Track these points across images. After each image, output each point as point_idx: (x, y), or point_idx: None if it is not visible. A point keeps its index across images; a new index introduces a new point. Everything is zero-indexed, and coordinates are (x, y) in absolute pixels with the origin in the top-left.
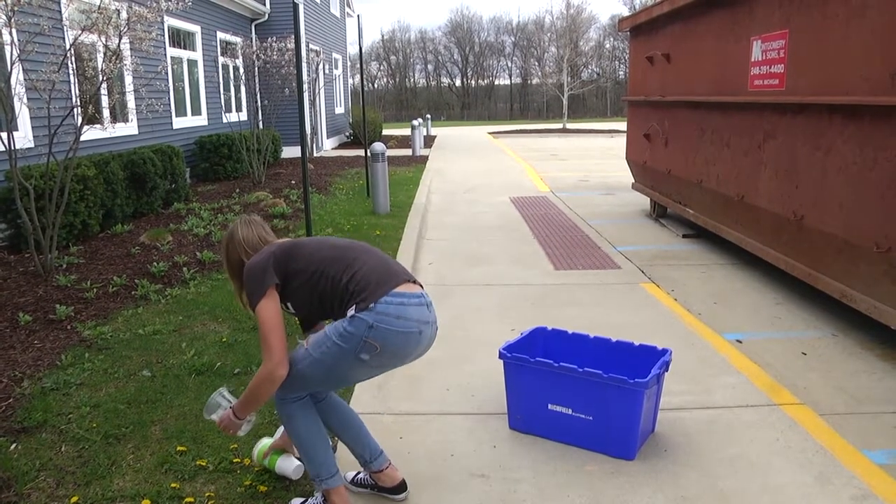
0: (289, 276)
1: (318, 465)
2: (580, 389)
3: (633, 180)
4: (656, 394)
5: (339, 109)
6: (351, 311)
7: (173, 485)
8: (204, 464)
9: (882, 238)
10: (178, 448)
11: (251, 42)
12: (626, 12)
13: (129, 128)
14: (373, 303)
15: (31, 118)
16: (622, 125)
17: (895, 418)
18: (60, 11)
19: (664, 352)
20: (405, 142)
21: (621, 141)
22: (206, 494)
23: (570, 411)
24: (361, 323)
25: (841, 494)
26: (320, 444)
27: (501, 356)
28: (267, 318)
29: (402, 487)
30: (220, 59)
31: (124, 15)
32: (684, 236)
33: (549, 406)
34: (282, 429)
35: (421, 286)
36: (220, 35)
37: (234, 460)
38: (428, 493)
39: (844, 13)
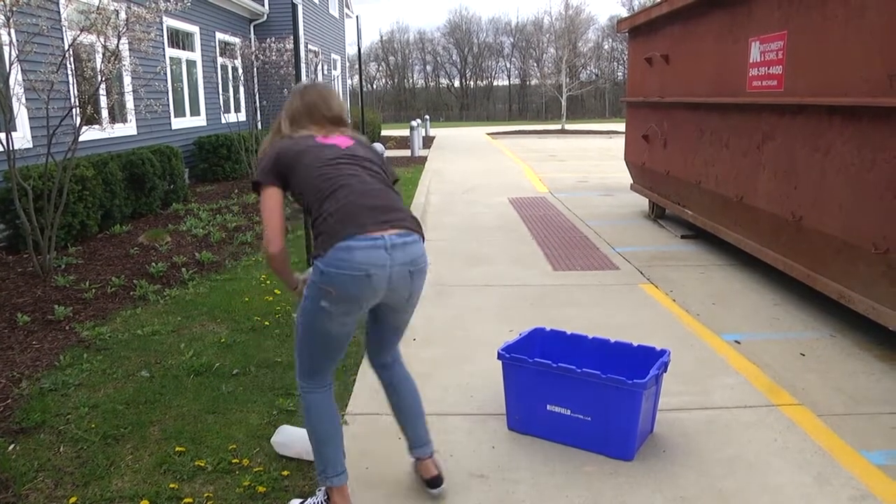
0: (288, 186)
1: (326, 460)
2: (579, 390)
3: (632, 181)
4: (655, 394)
5: None
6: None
7: (172, 485)
8: (203, 464)
9: (880, 239)
10: (177, 448)
11: (250, 43)
12: (624, 13)
13: (128, 128)
14: (327, 249)
15: (29, 118)
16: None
17: (893, 419)
18: (59, 12)
19: (663, 352)
20: (404, 142)
21: (620, 142)
22: (205, 495)
23: (568, 412)
24: (316, 269)
25: (839, 495)
26: (331, 440)
27: (500, 357)
28: (263, 206)
29: (434, 483)
30: (219, 60)
31: (123, 15)
32: (683, 237)
33: (548, 407)
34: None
35: (406, 227)
36: (219, 35)
37: (233, 461)
38: (426, 495)
39: (843, 14)
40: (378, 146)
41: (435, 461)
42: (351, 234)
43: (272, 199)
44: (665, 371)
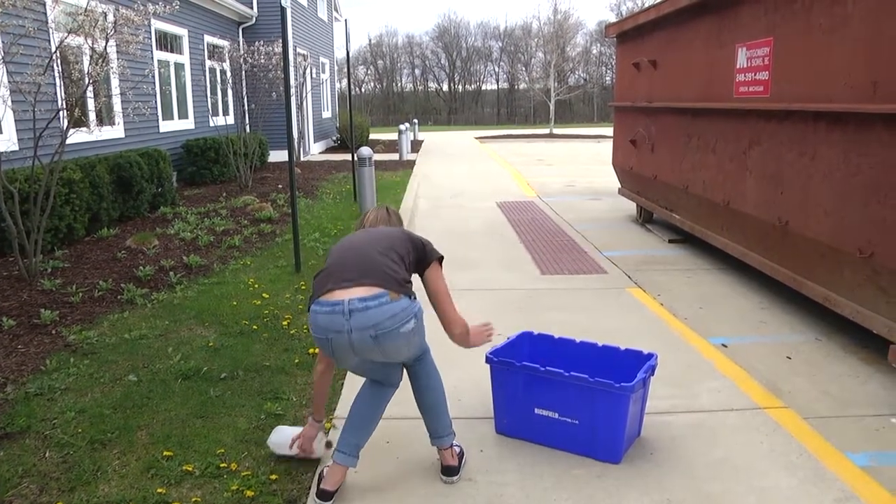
0: None
1: (343, 439)
2: (566, 393)
3: (620, 186)
4: (642, 398)
5: (327, 113)
6: None
7: (159, 490)
8: (190, 469)
9: (865, 243)
10: (165, 453)
11: (238, 46)
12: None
13: (116, 131)
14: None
15: (15, 121)
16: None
17: (877, 421)
18: (46, 14)
19: (650, 356)
20: (392, 146)
21: (608, 146)
22: (193, 500)
23: (556, 415)
24: None
25: (824, 497)
26: (357, 422)
27: (488, 360)
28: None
29: (446, 471)
30: (208, 63)
31: (111, 18)
32: (670, 241)
33: (536, 410)
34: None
35: (365, 286)
36: (208, 38)
37: (221, 465)
38: (415, 497)
39: (828, 22)
40: (365, 150)
41: (452, 452)
42: (317, 297)
43: None
44: (652, 375)
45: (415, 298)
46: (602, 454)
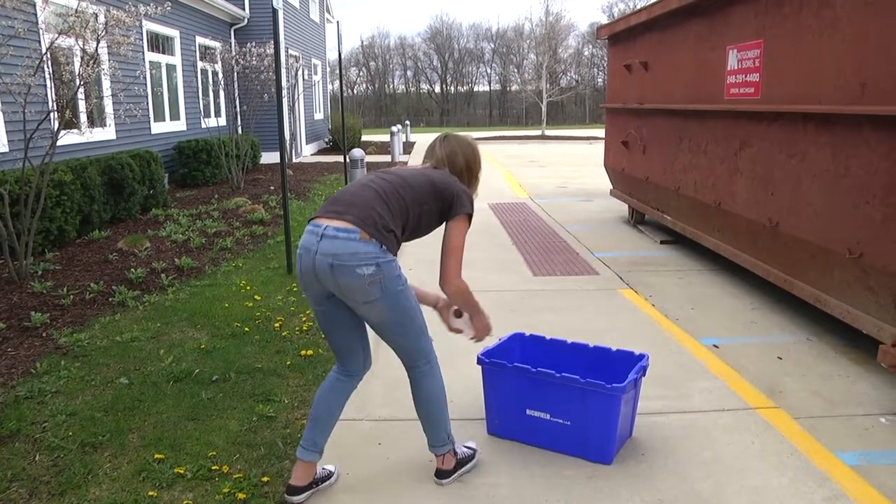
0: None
1: (305, 434)
2: (558, 394)
3: (612, 187)
4: (634, 399)
5: (319, 115)
6: None
7: (151, 493)
8: (182, 471)
9: (854, 244)
10: (156, 456)
11: (230, 47)
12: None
13: (107, 133)
14: None
15: (5, 122)
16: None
17: (867, 420)
18: (36, 14)
19: (641, 357)
20: (384, 148)
21: (600, 148)
22: (184, 502)
23: (547, 416)
24: None
25: (814, 496)
26: (316, 416)
27: (479, 361)
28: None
29: (438, 474)
30: (199, 64)
31: (102, 19)
32: (662, 242)
33: (527, 411)
34: None
35: (349, 222)
36: (200, 40)
37: (213, 468)
38: (406, 498)
39: (817, 24)
40: (357, 152)
41: (446, 458)
42: (315, 217)
43: None
44: (643, 375)
45: (388, 251)
46: (594, 455)
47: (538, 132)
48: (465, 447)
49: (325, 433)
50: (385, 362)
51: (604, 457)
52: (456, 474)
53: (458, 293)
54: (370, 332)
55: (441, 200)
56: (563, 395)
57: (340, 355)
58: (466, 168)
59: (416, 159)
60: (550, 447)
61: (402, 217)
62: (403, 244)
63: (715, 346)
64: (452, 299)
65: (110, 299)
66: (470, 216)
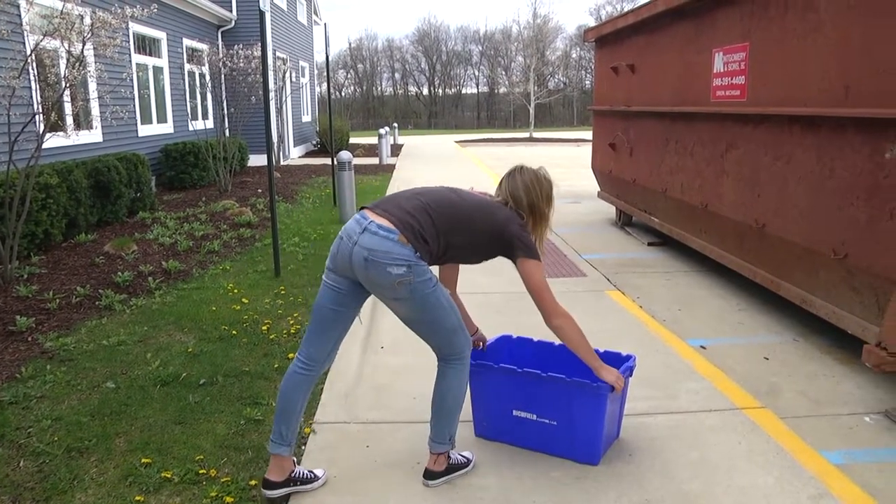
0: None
1: (273, 428)
2: (544, 394)
3: (599, 189)
4: (621, 399)
5: (306, 117)
6: None
7: (138, 498)
8: (169, 476)
9: (839, 245)
10: (143, 460)
11: (218, 49)
12: (592, 23)
13: (94, 135)
14: None
15: None
16: (588, 134)
17: (852, 419)
18: (20, 16)
19: (628, 357)
20: (372, 150)
21: (587, 150)
22: None
23: (534, 417)
24: None
25: (799, 494)
26: (281, 408)
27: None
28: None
29: (427, 474)
30: (187, 67)
31: (88, 20)
32: (649, 244)
33: (514, 412)
34: None
35: (387, 219)
36: (187, 42)
37: (200, 471)
38: (393, 499)
39: (801, 28)
40: (345, 154)
41: (437, 459)
42: (361, 207)
43: None
44: (630, 376)
45: (422, 259)
46: (581, 455)
47: (526, 134)
48: (461, 455)
49: (290, 426)
50: (373, 367)
51: (591, 457)
52: (444, 478)
53: (563, 326)
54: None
55: (498, 239)
56: (550, 394)
57: (312, 339)
58: (530, 207)
59: (404, 162)
60: (537, 448)
61: (442, 239)
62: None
63: (702, 346)
64: (560, 335)
65: (97, 303)
66: (533, 257)
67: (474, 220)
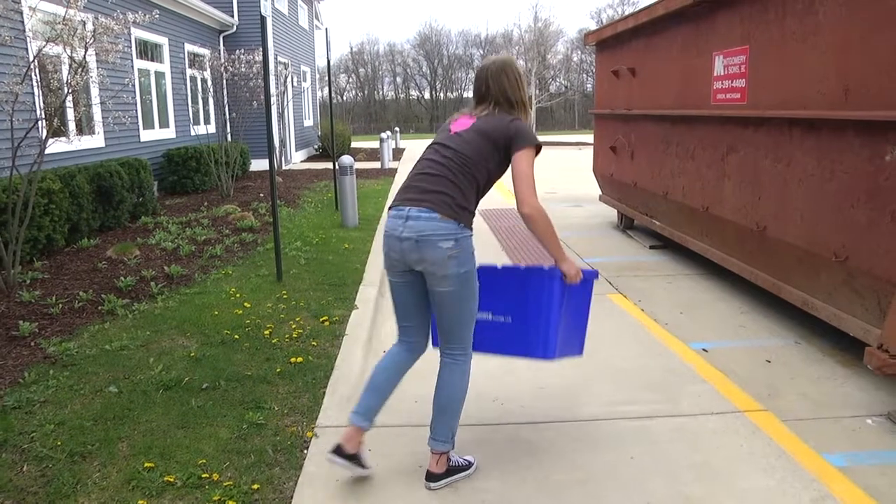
0: None
1: (361, 400)
2: (499, 288)
3: (601, 192)
4: (579, 306)
5: (308, 122)
6: None
7: (140, 502)
8: (172, 480)
9: (840, 247)
10: (146, 464)
11: (219, 54)
12: (593, 26)
13: (96, 140)
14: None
15: None
16: (590, 137)
17: (854, 422)
18: (23, 22)
19: (593, 272)
20: (374, 154)
21: (589, 153)
22: None
23: (489, 316)
24: None
25: (801, 497)
26: (375, 385)
27: None
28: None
29: (428, 476)
30: (188, 71)
31: (90, 26)
32: (651, 247)
33: None
34: None
35: (425, 205)
36: (188, 47)
37: (203, 475)
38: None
39: (801, 31)
40: (346, 158)
41: (439, 459)
42: (392, 206)
43: None
44: (591, 286)
45: (465, 227)
46: (536, 351)
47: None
48: (462, 458)
49: (381, 402)
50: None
51: (546, 350)
52: (446, 480)
53: (533, 214)
54: None
55: (504, 148)
56: (504, 287)
57: (407, 327)
58: (517, 103)
59: (406, 166)
60: (495, 351)
61: (473, 187)
62: None
63: (704, 349)
64: (529, 223)
65: (99, 308)
66: (535, 147)
67: (483, 151)
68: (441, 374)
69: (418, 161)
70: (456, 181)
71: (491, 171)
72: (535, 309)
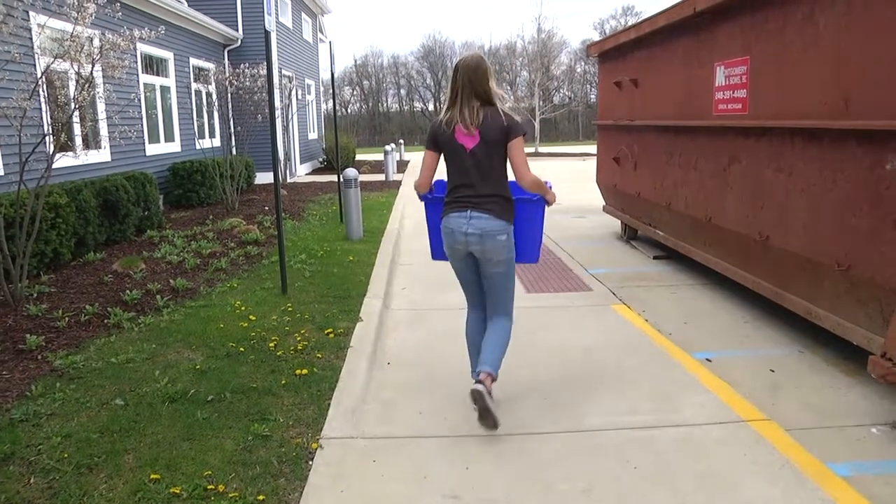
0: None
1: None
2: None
3: (604, 203)
4: (531, 222)
5: (313, 135)
6: None
7: None
8: (178, 491)
9: (843, 256)
10: (152, 476)
11: (224, 68)
12: (596, 37)
13: (102, 155)
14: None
15: (1, 146)
16: (593, 148)
17: (858, 431)
18: (32, 39)
19: (535, 197)
20: (378, 167)
21: (593, 164)
22: None
23: None
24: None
25: None
26: (471, 349)
27: (422, 198)
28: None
29: (471, 394)
30: (193, 86)
31: (97, 43)
32: (655, 258)
33: None
34: None
35: (480, 209)
36: (193, 61)
37: (209, 487)
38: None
39: (801, 41)
40: (351, 171)
41: (481, 379)
42: (447, 213)
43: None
44: (542, 207)
45: (510, 223)
46: (526, 257)
47: (531, 149)
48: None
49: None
50: (379, 383)
51: (532, 257)
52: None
53: (530, 185)
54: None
55: (504, 138)
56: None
57: (475, 300)
58: (495, 97)
59: (409, 178)
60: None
61: (504, 176)
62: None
63: (707, 359)
64: (531, 189)
65: (105, 321)
66: (523, 132)
67: (499, 152)
68: (497, 328)
69: (453, 171)
70: (491, 182)
71: (503, 157)
72: (529, 227)
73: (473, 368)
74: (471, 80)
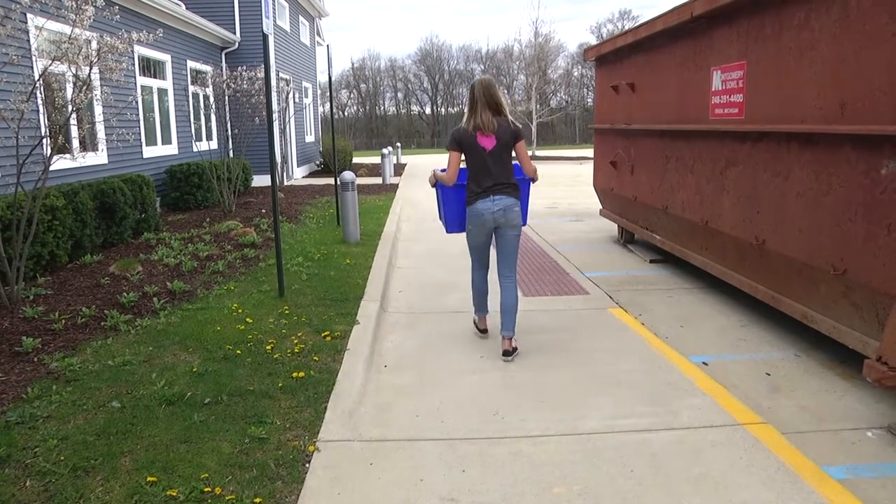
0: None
1: (475, 304)
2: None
3: (601, 207)
4: (524, 192)
5: (310, 138)
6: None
7: None
8: (174, 494)
9: (838, 260)
10: (149, 479)
11: (221, 71)
12: (593, 41)
13: (99, 157)
14: (470, 203)
15: None
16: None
17: (854, 434)
18: (29, 41)
19: (523, 177)
20: (375, 170)
21: (589, 168)
22: None
23: None
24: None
25: None
26: (476, 294)
27: (435, 185)
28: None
29: (505, 353)
30: (191, 88)
31: (95, 45)
32: (651, 261)
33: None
34: None
35: (503, 193)
36: (191, 64)
37: (205, 489)
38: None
39: (797, 46)
40: (348, 174)
41: (510, 341)
42: (474, 201)
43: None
44: (529, 183)
45: (519, 199)
46: (523, 220)
47: (528, 153)
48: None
49: (484, 300)
50: (377, 386)
51: (526, 220)
52: (514, 354)
53: (533, 171)
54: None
55: (514, 142)
56: None
57: (483, 262)
58: (503, 106)
59: (406, 181)
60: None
61: (512, 169)
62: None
63: (704, 363)
64: (532, 175)
65: (102, 323)
66: (525, 136)
67: (509, 152)
68: (507, 292)
69: (476, 166)
70: (506, 172)
71: (510, 154)
72: (522, 197)
73: (477, 310)
74: (486, 95)
